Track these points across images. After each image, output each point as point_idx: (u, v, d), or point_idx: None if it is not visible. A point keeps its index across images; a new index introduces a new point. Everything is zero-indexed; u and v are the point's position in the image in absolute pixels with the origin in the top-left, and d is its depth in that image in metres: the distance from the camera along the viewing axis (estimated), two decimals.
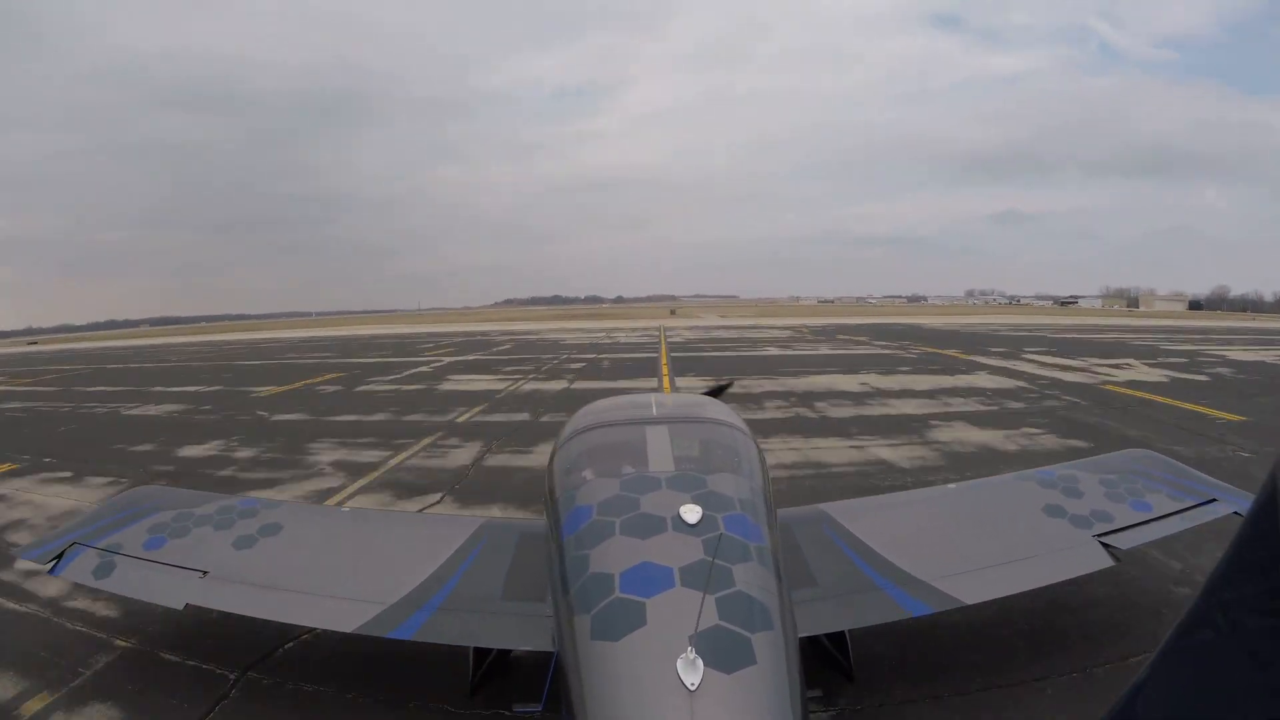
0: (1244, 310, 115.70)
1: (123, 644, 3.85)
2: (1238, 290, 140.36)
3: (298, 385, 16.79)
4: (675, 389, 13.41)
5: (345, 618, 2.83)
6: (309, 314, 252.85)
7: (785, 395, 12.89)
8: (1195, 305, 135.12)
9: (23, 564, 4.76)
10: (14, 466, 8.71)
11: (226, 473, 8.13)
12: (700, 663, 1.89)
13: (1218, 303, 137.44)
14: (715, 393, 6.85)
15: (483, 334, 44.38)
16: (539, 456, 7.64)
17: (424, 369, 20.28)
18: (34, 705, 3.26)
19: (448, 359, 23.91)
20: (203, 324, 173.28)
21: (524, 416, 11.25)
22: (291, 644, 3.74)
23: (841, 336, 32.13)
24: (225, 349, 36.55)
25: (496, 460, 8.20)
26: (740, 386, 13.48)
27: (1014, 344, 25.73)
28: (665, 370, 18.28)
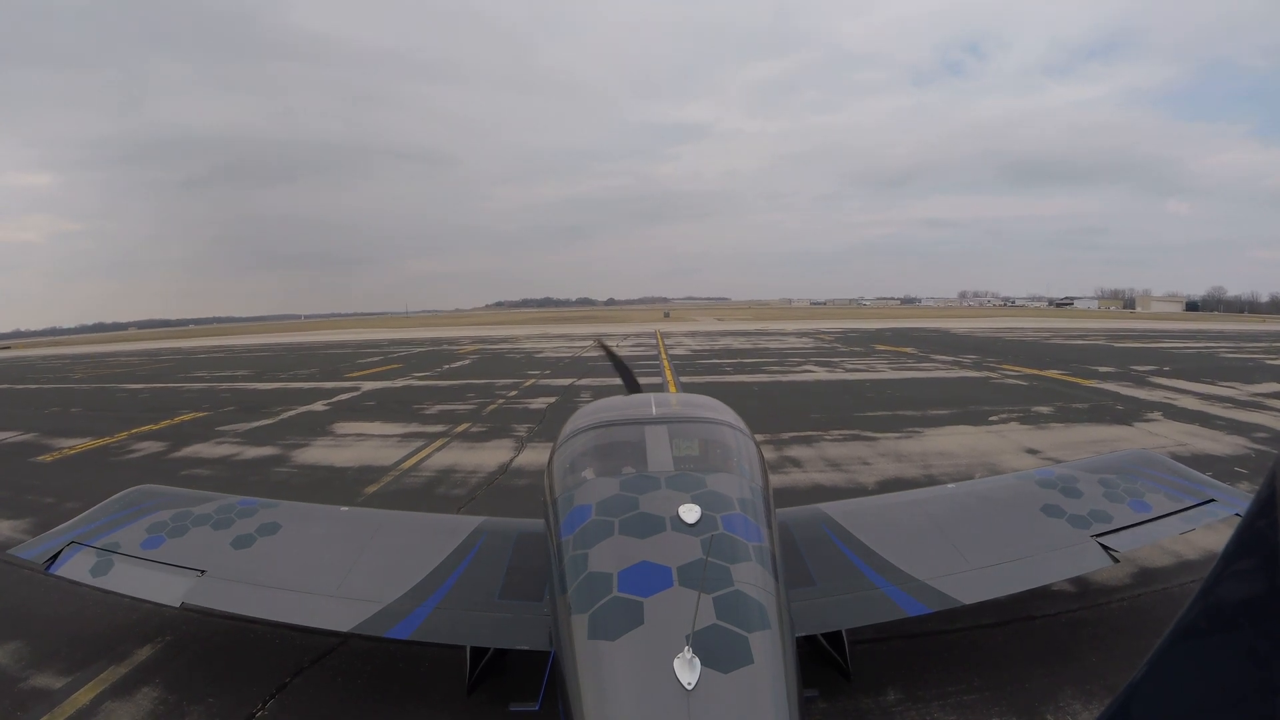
0: (1241, 312, 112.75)
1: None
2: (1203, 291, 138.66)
3: (121, 437, 11.56)
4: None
5: (342, 617, 2.88)
6: (298, 317, 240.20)
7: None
8: (1192, 306, 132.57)
9: None
10: None
11: None
12: (697, 662, 1.91)
13: (1214, 304, 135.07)
14: None
15: (450, 342, 38.23)
16: None
17: (319, 407, 13.98)
18: None
19: (370, 385, 17.71)
20: (191, 327, 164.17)
21: None
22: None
23: (883, 348, 25.96)
24: (155, 360, 30.57)
25: None
26: (808, 445, 9.11)
27: (1112, 360, 20.10)
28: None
